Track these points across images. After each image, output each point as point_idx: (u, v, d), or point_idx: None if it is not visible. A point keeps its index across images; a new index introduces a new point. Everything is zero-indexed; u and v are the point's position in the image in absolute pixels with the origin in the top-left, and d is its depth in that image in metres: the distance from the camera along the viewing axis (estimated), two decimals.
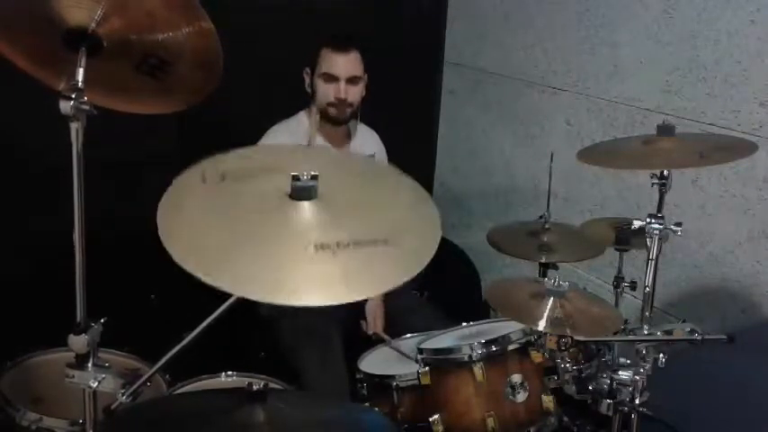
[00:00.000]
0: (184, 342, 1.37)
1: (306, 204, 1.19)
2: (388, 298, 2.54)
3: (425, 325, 2.24)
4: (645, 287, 1.80)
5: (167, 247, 1.09)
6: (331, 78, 2.40)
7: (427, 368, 1.88)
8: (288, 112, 2.50)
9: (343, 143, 2.55)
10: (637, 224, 1.76)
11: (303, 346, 2.28)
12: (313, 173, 1.19)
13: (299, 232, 1.16)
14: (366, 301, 2.51)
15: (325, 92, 2.42)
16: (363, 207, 1.29)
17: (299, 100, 2.48)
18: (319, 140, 2.50)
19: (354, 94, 2.44)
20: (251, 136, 2.49)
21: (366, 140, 2.64)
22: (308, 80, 2.47)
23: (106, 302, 1.44)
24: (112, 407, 1.37)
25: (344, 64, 2.40)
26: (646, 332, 1.78)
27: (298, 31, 2.90)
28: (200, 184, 1.24)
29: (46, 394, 1.83)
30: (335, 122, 2.47)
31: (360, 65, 2.43)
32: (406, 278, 1.13)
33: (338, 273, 1.11)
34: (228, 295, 1.39)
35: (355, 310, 2.51)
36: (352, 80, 2.41)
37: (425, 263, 1.20)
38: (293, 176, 1.18)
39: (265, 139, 2.46)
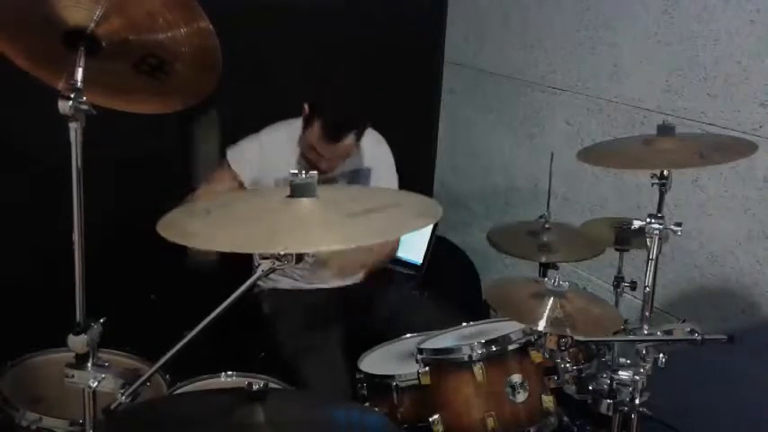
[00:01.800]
0: (184, 341, 1.37)
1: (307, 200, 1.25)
2: (389, 297, 2.55)
3: (425, 323, 2.24)
4: (645, 287, 1.80)
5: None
6: (315, 151, 2.31)
7: (427, 368, 1.88)
8: (286, 112, 2.49)
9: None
10: (637, 224, 1.76)
11: (302, 344, 2.28)
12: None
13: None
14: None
15: (308, 154, 2.34)
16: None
17: (297, 100, 2.48)
18: (305, 164, 2.41)
19: (338, 164, 2.38)
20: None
21: (357, 155, 2.51)
22: (302, 120, 2.35)
23: (106, 302, 1.44)
24: (112, 407, 1.37)
25: (333, 152, 2.31)
26: (646, 332, 1.78)
27: (298, 31, 2.91)
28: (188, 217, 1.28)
29: (46, 394, 1.82)
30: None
31: (351, 147, 2.33)
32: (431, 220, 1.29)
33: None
34: (229, 294, 1.40)
35: (355, 312, 2.51)
36: (337, 158, 2.35)
37: (438, 211, 1.30)
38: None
39: (249, 143, 2.45)
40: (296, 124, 2.46)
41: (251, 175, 2.39)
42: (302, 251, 1.26)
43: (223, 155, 2.45)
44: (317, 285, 2.52)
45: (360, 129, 2.34)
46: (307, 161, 2.37)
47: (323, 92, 2.39)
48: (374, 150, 2.58)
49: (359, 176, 2.55)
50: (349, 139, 2.31)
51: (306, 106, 2.35)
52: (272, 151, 2.43)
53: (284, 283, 2.50)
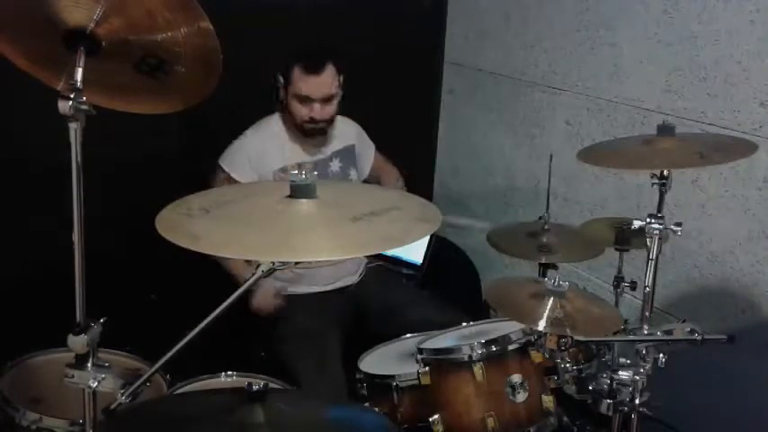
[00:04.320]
0: (185, 341, 1.37)
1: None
2: (389, 297, 2.54)
3: (425, 323, 2.24)
4: (645, 287, 1.80)
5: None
6: (305, 99, 2.37)
7: (427, 368, 1.88)
8: None
9: (320, 144, 2.53)
10: (637, 224, 1.76)
11: (301, 350, 2.27)
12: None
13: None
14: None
15: (299, 111, 2.39)
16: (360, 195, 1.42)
17: None
18: (295, 147, 2.48)
19: (329, 111, 2.41)
20: None
21: (340, 131, 2.59)
22: (281, 91, 2.43)
23: (106, 302, 1.44)
24: (112, 407, 1.37)
25: (318, 86, 2.36)
26: (646, 332, 1.78)
27: (298, 31, 2.91)
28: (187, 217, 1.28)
29: (46, 394, 1.83)
30: (312, 136, 2.46)
31: (334, 81, 2.39)
32: (432, 227, 1.30)
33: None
34: (228, 294, 1.40)
35: (353, 312, 2.51)
36: (326, 99, 2.38)
37: (439, 217, 1.33)
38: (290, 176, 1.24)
39: (238, 143, 2.46)
40: (272, 119, 2.51)
41: (249, 175, 2.40)
42: (314, 259, 1.26)
43: (215, 164, 2.45)
44: (313, 290, 2.51)
45: (337, 60, 2.39)
46: (301, 127, 2.41)
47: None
48: (351, 130, 2.66)
49: (348, 153, 2.60)
50: (330, 70, 2.36)
51: (278, 76, 2.41)
52: (261, 146, 2.45)
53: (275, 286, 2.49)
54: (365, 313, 2.49)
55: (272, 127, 2.50)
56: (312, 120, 2.39)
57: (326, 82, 2.37)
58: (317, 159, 2.50)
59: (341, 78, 2.42)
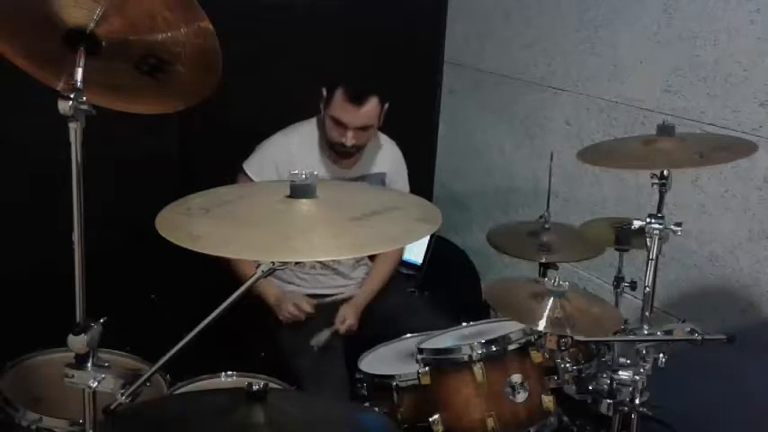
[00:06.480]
0: (185, 341, 1.37)
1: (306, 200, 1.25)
2: (389, 297, 2.54)
3: (425, 325, 2.24)
4: (645, 287, 1.81)
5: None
6: (340, 124, 2.33)
7: (427, 368, 1.88)
8: (287, 112, 2.49)
9: (350, 164, 2.50)
10: (637, 224, 1.76)
11: (304, 352, 2.28)
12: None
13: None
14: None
15: (332, 132, 2.36)
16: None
17: (298, 100, 2.48)
18: (322, 161, 2.46)
19: (363, 138, 2.38)
20: (250, 136, 2.50)
21: (377, 156, 2.56)
22: (322, 104, 2.39)
23: (106, 302, 1.44)
24: (112, 407, 1.37)
25: (357, 116, 2.31)
26: (646, 332, 1.78)
27: (298, 31, 2.91)
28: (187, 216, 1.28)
29: (46, 394, 1.83)
30: (340, 156, 2.44)
31: (375, 113, 2.35)
32: (433, 227, 1.29)
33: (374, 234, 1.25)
34: (228, 294, 1.40)
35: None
36: (362, 128, 2.35)
37: (439, 217, 1.32)
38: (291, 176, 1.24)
39: (265, 149, 2.43)
40: (307, 125, 2.47)
41: None
42: (315, 259, 1.27)
43: (237, 167, 2.43)
44: (318, 290, 2.51)
45: (381, 95, 2.35)
46: (331, 145, 2.38)
47: (341, 70, 2.41)
48: (389, 154, 2.61)
49: (376, 180, 2.56)
50: (372, 103, 2.32)
51: (323, 90, 2.36)
52: (290, 153, 2.42)
53: (285, 288, 2.49)
54: (366, 318, 2.48)
55: (304, 135, 2.46)
56: (342, 144, 2.35)
57: (366, 113, 2.32)
58: (341, 177, 2.47)
59: (384, 108, 2.39)
